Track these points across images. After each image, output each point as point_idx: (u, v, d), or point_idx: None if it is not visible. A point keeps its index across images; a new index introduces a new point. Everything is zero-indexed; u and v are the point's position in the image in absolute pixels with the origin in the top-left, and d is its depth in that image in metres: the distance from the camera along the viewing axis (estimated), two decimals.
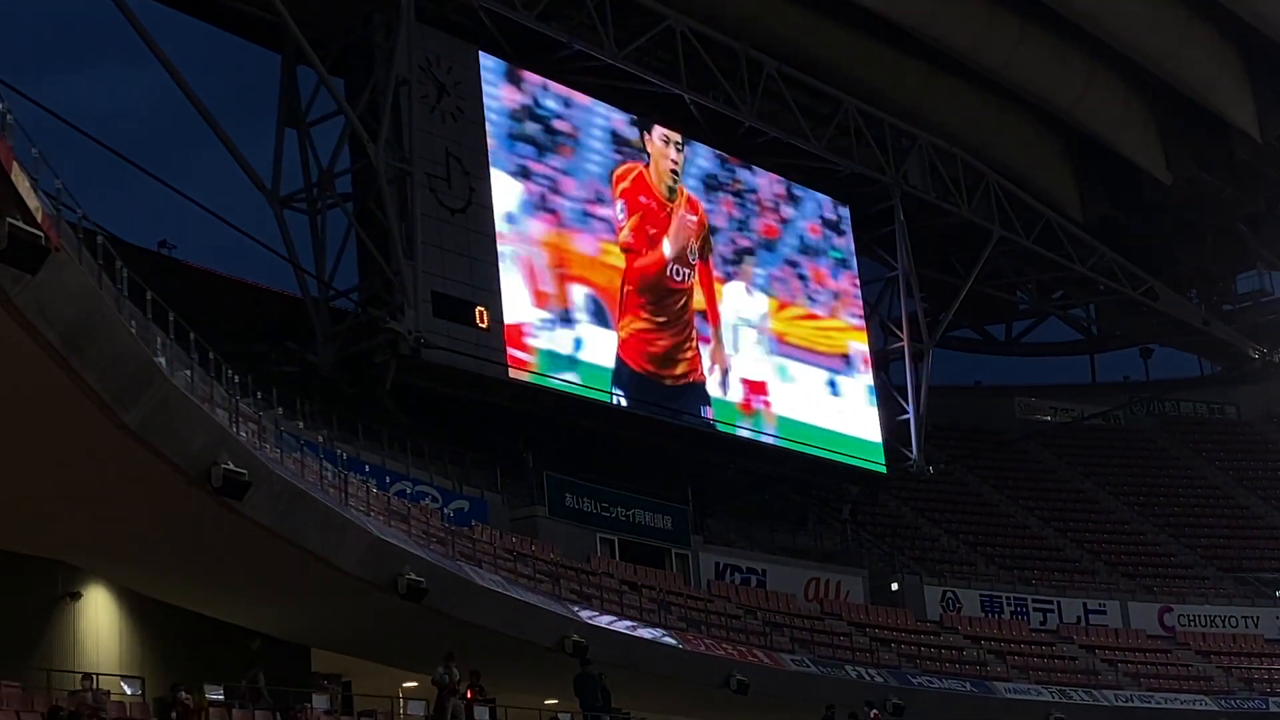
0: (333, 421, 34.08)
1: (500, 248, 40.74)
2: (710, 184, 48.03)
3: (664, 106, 46.83)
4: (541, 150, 43.08)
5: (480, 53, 42.18)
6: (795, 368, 48.50)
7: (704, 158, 48.12)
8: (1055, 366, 71.97)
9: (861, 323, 52.20)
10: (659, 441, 44.40)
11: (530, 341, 40.56)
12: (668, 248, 45.61)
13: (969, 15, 51.34)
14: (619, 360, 42.98)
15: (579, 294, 42.49)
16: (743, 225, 48.76)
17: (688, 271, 45.97)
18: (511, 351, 39.87)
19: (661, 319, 44.77)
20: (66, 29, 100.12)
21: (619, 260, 43.99)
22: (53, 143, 18.01)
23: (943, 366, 58.73)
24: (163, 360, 19.99)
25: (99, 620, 24.66)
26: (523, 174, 42.29)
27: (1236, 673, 49.27)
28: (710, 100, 47.43)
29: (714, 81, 47.43)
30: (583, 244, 43.27)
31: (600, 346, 42.52)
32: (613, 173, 44.97)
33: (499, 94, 42.32)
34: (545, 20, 42.97)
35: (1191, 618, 52.52)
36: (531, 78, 43.35)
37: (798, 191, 51.10)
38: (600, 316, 42.85)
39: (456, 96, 41.16)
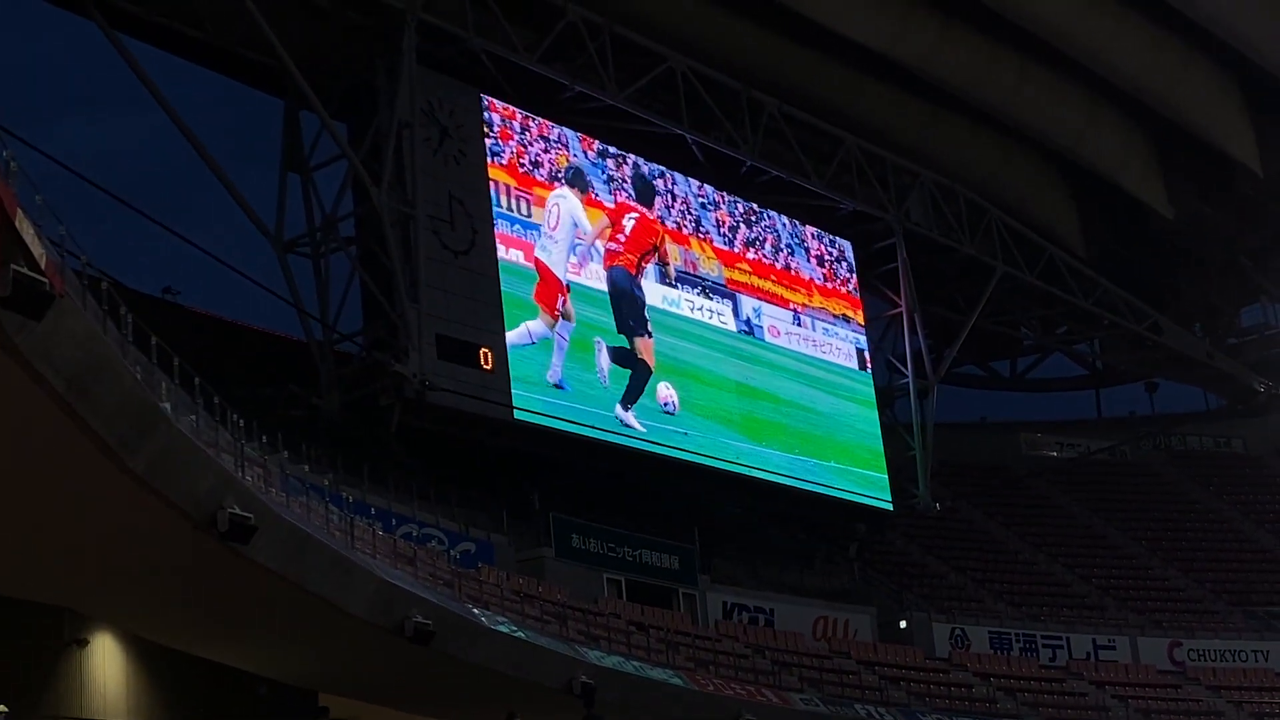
0: (338, 465, 34.05)
1: None
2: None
3: (666, 146, 46.94)
4: None
5: (481, 95, 42.32)
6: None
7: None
8: (1061, 402, 71.91)
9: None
10: (665, 481, 44.32)
11: None
12: None
13: (969, 54, 51.51)
14: None
15: None
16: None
17: None
18: None
19: None
20: (69, 76, 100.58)
21: None
22: (56, 189, 18.06)
23: (948, 403, 58.65)
24: (168, 405, 19.98)
25: (106, 667, 24.58)
26: None
27: (1248, 707, 49.05)
28: (711, 140, 47.57)
29: (715, 121, 47.58)
30: None
31: None
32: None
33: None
34: (546, 63, 43.10)
35: (1201, 652, 52.28)
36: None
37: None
38: None
39: (459, 139, 41.27)
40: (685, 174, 47.74)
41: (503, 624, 30.33)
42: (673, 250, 46.59)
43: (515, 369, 40.27)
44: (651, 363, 44.27)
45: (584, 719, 28.78)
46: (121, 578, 22.39)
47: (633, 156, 46.13)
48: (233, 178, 38.54)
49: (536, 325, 41.59)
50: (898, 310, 54.04)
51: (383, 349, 38.88)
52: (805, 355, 49.80)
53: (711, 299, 47.24)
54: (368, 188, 39.07)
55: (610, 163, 45.56)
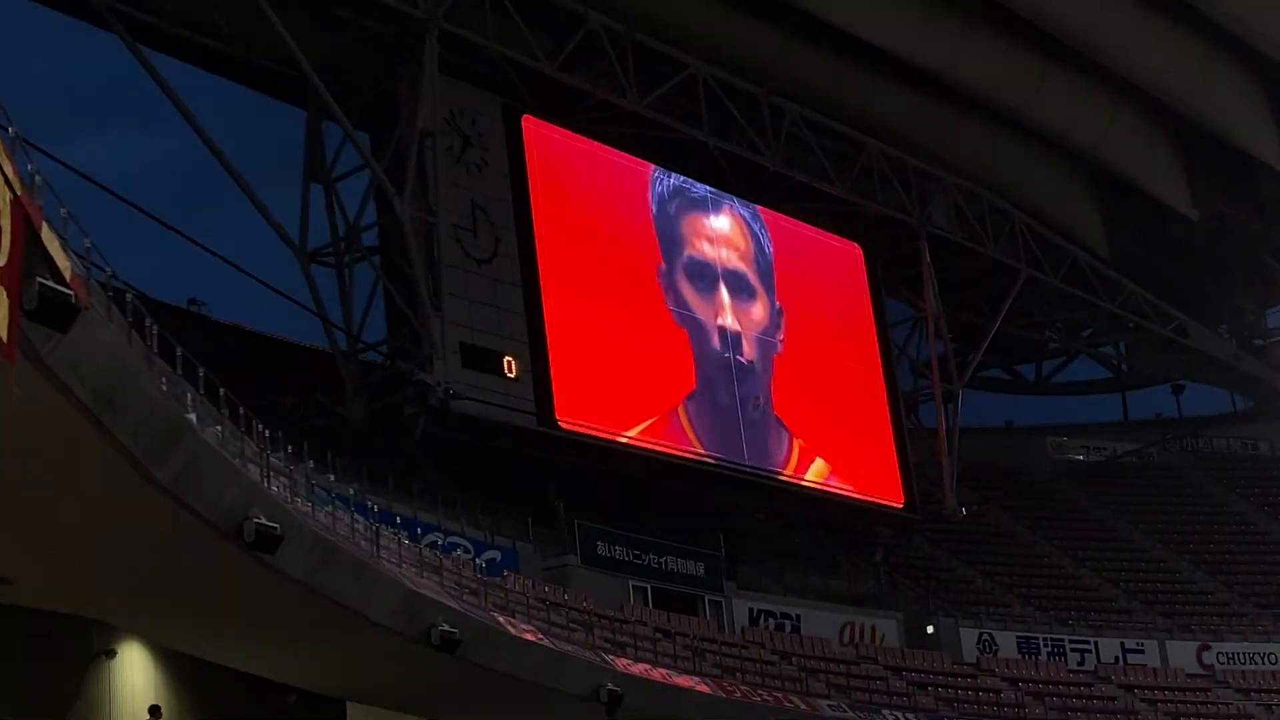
0: (363, 474, 34.05)
1: None
2: None
3: (687, 153, 46.93)
4: None
5: (503, 103, 42.38)
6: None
7: None
8: (1086, 405, 71.59)
9: None
10: (690, 488, 44.27)
11: None
12: None
13: (991, 57, 51.36)
14: None
15: None
16: None
17: None
18: None
19: None
20: (90, 90, 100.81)
21: None
22: (81, 203, 18.10)
23: (973, 407, 58.55)
24: (193, 416, 20.02)
25: (134, 678, 24.69)
26: None
27: (1278, 710, 48.76)
28: (733, 146, 47.54)
29: (737, 127, 47.56)
30: None
31: None
32: None
33: None
34: (567, 70, 43.14)
35: (1230, 655, 52.00)
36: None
37: None
38: None
39: (480, 147, 41.36)
40: (704, 180, 47.90)
41: (529, 632, 30.32)
42: None
43: None
44: None
45: None
46: (149, 589, 22.44)
47: None
48: (256, 189, 38.65)
49: None
50: (922, 314, 53.95)
51: (407, 358, 38.95)
52: None
53: None
54: (390, 197, 39.16)
55: None
